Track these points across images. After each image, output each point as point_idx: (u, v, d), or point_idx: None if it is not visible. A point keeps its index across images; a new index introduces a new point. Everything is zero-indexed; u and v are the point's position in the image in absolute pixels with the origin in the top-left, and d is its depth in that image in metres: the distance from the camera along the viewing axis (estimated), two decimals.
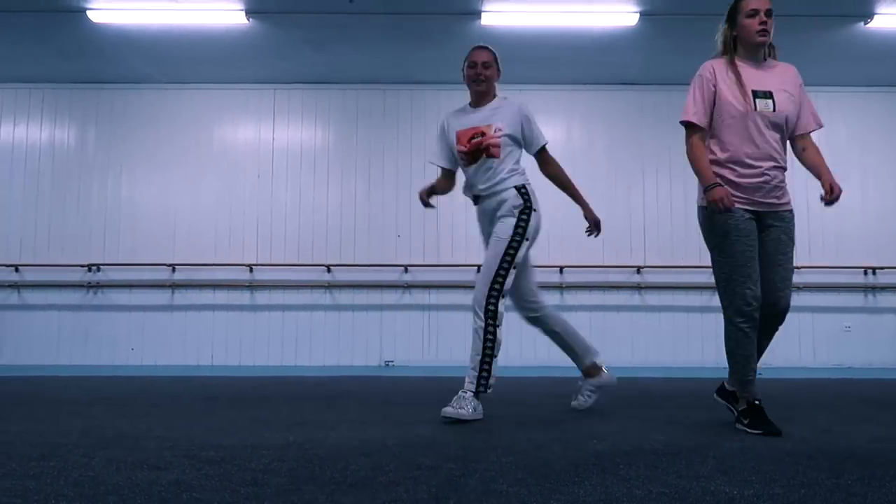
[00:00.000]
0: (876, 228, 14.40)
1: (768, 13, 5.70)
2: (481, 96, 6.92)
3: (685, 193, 14.04)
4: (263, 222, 14.39)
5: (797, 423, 6.01)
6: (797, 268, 14.01)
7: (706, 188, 5.55)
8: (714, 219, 5.64)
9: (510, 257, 6.59)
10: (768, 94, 5.62)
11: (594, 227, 7.48)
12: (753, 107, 5.55)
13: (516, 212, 6.77)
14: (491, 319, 6.49)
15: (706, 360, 13.67)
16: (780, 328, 5.93)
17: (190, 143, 14.54)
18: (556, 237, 14.16)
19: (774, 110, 5.61)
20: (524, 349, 13.94)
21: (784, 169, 5.82)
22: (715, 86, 5.69)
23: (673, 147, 14.29)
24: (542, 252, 14.08)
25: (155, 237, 14.36)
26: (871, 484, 3.51)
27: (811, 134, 6.03)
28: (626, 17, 11.90)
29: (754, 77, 5.68)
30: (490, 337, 6.49)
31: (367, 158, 14.49)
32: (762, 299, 5.65)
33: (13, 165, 14.65)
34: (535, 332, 14.14)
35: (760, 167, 5.61)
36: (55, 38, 12.74)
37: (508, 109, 6.84)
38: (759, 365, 5.77)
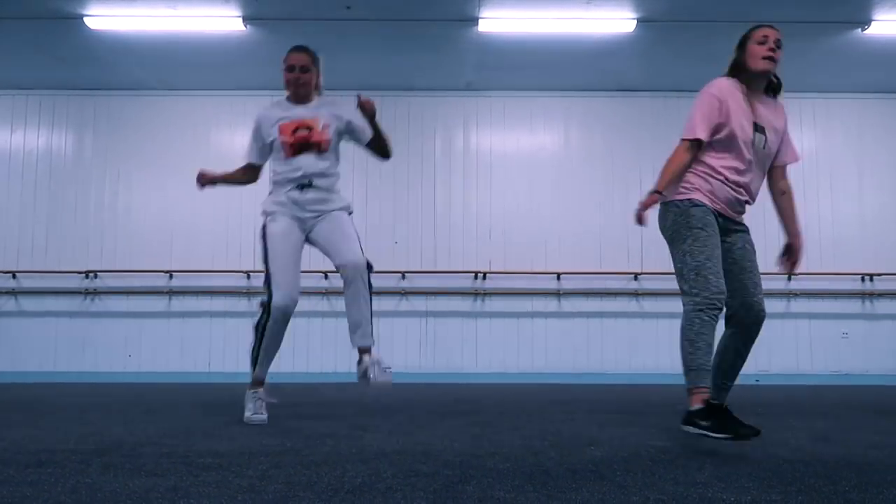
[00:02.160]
0: (873, 235, 14.40)
1: (778, 43, 5.79)
2: (301, 97, 7.03)
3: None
4: (261, 229, 14.38)
5: (794, 429, 6.01)
6: (794, 274, 14.02)
7: (656, 191, 5.68)
8: (691, 212, 5.68)
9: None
10: (762, 130, 5.71)
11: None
12: (752, 139, 5.66)
13: (347, 210, 7.12)
14: (369, 273, 6.96)
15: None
16: (759, 337, 5.93)
17: (187, 150, 14.52)
18: (554, 244, 14.18)
19: (764, 147, 5.75)
20: (521, 357, 13.95)
21: (754, 201, 6.01)
22: (721, 104, 5.65)
23: (657, 153, 14.28)
24: (539, 258, 14.11)
25: (152, 244, 14.35)
26: (868, 491, 3.51)
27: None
28: (624, 23, 11.91)
29: (756, 111, 5.74)
30: (371, 289, 7.04)
31: (363, 165, 14.46)
32: (739, 307, 5.74)
33: (10, 172, 14.64)
34: (531, 339, 14.16)
35: (740, 187, 5.75)
36: (53, 45, 12.74)
37: (332, 105, 7.13)
38: (744, 372, 5.80)
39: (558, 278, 14.17)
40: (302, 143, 6.72)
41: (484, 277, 14.16)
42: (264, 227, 6.84)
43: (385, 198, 14.41)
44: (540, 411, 7.70)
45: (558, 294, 14.17)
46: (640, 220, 5.62)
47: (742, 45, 5.88)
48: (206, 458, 4.37)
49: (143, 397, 9.41)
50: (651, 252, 14.02)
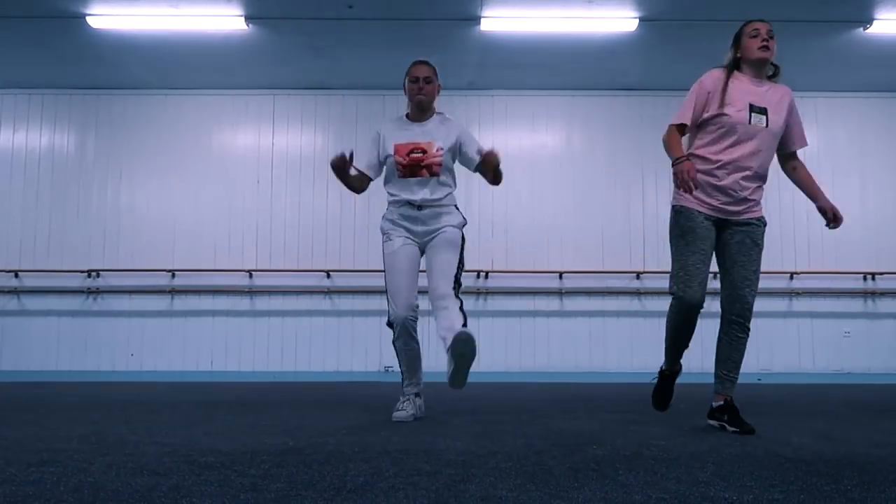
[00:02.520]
0: (875, 234, 14.39)
1: (769, 33, 6.05)
2: (421, 111, 7.03)
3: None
4: (263, 228, 14.39)
5: (796, 428, 6.02)
6: (797, 273, 14.01)
7: (675, 161, 5.90)
8: (676, 219, 6.05)
9: (463, 260, 7.27)
10: (763, 111, 5.91)
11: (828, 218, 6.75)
12: (748, 120, 5.84)
13: (460, 227, 7.25)
14: (461, 299, 7.22)
15: (706, 366, 13.55)
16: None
17: (189, 149, 14.54)
18: (556, 243, 14.18)
19: (767, 126, 5.94)
20: (523, 356, 13.94)
21: (760, 182, 6.10)
22: (709, 94, 5.99)
23: (661, 153, 14.29)
24: (541, 258, 14.10)
25: (154, 243, 14.35)
26: (870, 489, 3.51)
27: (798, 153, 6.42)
28: (626, 22, 11.91)
29: (754, 93, 5.96)
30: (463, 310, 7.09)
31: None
32: (725, 299, 6.18)
33: (13, 172, 14.65)
34: (534, 338, 14.16)
35: (736, 177, 5.89)
36: (55, 45, 12.74)
37: (447, 127, 7.07)
38: (746, 371, 5.90)
39: (560, 277, 14.17)
40: (415, 165, 6.87)
41: (486, 276, 14.16)
42: (383, 246, 7.31)
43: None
44: (542, 410, 7.70)
45: (560, 293, 14.17)
46: (691, 185, 5.80)
47: (737, 41, 6.17)
48: (208, 457, 4.36)
49: (145, 396, 9.41)
50: (653, 251, 14.02)
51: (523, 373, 13.75)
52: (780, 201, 14.09)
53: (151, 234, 14.38)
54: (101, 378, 13.58)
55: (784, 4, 11.16)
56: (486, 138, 14.48)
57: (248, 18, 11.82)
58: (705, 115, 5.98)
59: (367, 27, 12.03)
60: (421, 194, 6.93)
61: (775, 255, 13.92)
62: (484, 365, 13.77)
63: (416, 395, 7.11)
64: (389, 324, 7.12)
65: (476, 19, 11.84)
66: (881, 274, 14.21)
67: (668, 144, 6.08)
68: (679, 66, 13.20)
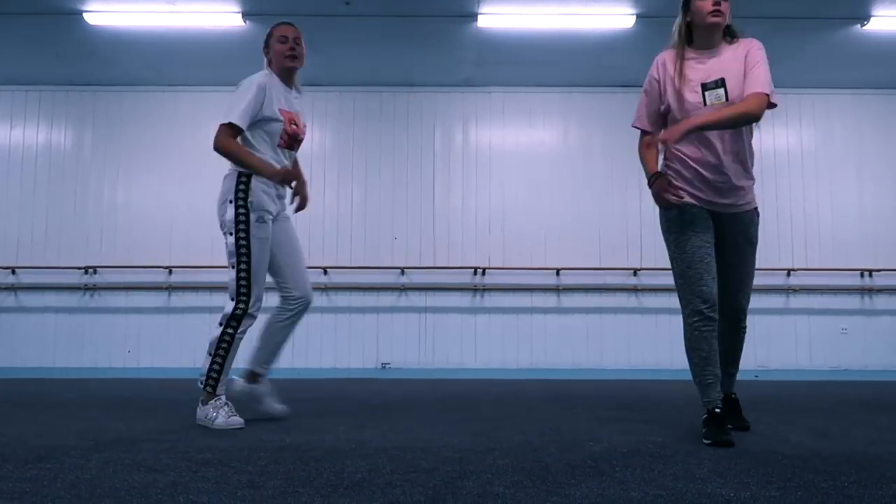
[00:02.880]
0: (872, 230, 14.39)
1: None
2: (291, 75, 6.46)
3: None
4: None
5: (793, 425, 6.02)
6: (794, 270, 14.02)
7: (649, 181, 5.54)
8: (669, 214, 5.53)
9: None
10: (719, 83, 5.36)
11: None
12: (703, 102, 5.36)
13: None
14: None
15: None
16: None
17: (186, 146, 14.52)
18: (553, 240, 14.18)
19: (727, 100, 5.33)
20: (520, 353, 13.95)
21: (745, 166, 5.53)
22: (660, 84, 5.65)
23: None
24: (538, 254, 14.09)
25: (151, 239, 14.33)
26: (867, 486, 3.52)
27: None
28: (623, 19, 11.90)
29: (705, 68, 5.47)
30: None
31: (363, 161, 14.46)
32: (721, 298, 5.54)
33: (9, 168, 14.63)
34: (531, 335, 14.15)
35: (718, 165, 5.40)
36: (52, 41, 12.73)
37: (302, 104, 6.61)
38: (743, 368, 5.76)
39: (557, 274, 14.17)
40: (293, 137, 6.31)
41: (483, 273, 14.16)
42: (251, 224, 6.05)
43: (384, 193, 14.39)
44: (539, 407, 7.71)
45: (557, 290, 14.17)
46: (674, 201, 5.42)
47: (685, 5, 5.66)
48: (205, 454, 4.37)
49: (142, 393, 9.41)
50: (650, 248, 14.01)
51: (520, 370, 13.75)
52: (776, 197, 14.10)
53: (148, 231, 14.37)
54: (98, 375, 13.58)
55: (781, 1, 11.15)
56: (483, 135, 14.53)
57: (246, 15, 11.80)
58: (662, 109, 5.61)
59: (363, 24, 12.02)
60: (288, 166, 6.32)
61: (772, 252, 13.92)
62: (481, 362, 13.79)
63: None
64: (239, 313, 6.36)
65: (473, 16, 11.83)
66: (878, 271, 14.21)
67: (641, 159, 5.77)
68: None
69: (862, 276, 14.24)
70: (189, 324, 14.07)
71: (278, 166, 6.12)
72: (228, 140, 5.96)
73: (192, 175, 14.38)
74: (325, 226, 14.20)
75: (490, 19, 11.90)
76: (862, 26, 11.97)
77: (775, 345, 13.81)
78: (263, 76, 6.23)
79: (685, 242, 5.41)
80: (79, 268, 14.17)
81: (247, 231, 5.97)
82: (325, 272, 14.11)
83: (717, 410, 5.18)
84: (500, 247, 14.21)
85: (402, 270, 14.11)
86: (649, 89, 5.69)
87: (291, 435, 5.28)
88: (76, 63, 13.68)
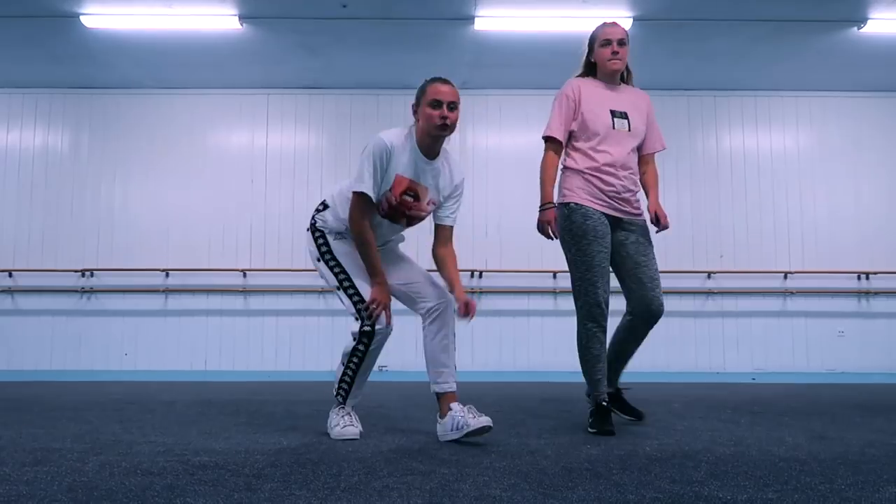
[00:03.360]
0: (869, 233, 14.39)
1: (620, 43, 6.37)
2: (436, 145, 5.72)
3: (677, 199, 13.97)
4: (257, 227, 14.36)
5: (790, 427, 6.03)
6: (791, 273, 14.02)
7: (541, 207, 6.21)
8: (572, 218, 5.98)
9: None
10: (624, 115, 6.07)
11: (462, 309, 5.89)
12: (612, 125, 6.00)
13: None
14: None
15: (699, 364, 13.65)
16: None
17: (183, 149, 14.51)
18: (549, 242, 14.15)
19: (629, 129, 6.10)
20: (517, 355, 13.95)
21: (635, 182, 6.17)
22: (577, 103, 6.11)
23: (666, 152, 14.24)
24: (535, 257, 14.08)
25: (148, 242, 14.31)
26: (864, 489, 3.52)
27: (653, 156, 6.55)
28: (621, 22, 11.83)
29: (611, 98, 6.15)
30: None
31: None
32: (637, 302, 6.07)
33: (6, 171, 14.62)
34: (528, 337, 14.15)
35: (619, 176, 6.00)
36: (48, 44, 12.72)
37: (448, 182, 5.90)
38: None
39: (554, 276, 14.16)
40: (398, 210, 5.69)
41: (480, 276, 14.15)
42: (326, 243, 5.82)
43: None
44: (536, 409, 7.72)
45: (555, 292, 14.16)
46: (551, 235, 6.15)
47: (591, 45, 6.46)
48: (202, 457, 4.37)
49: (139, 396, 9.41)
50: None
51: (517, 372, 13.73)
52: (773, 200, 14.12)
53: (145, 234, 14.35)
54: (95, 377, 13.56)
55: (778, 4, 11.15)
56: (480, 137, 14.51)
57: (242, 18, 11.79)
58: (573, 127, 6.12)
59: (360, 26, 12.02)
60: (382, 238, 5.93)
61: (769, 255, 13.94)
62: (478, 364, 13.78)
63: (354, 408, 5.85)
64: (364, 332, 5.65)
65: (470, 19, 11.82)
66: (875, 273, 14.21)
67: (543, 176, 6.22)
68: (673, 66, 13.19)
69: (859, 278, 14.24)
70: (186, 326, 14.06)
71: (379, 240, 5.79)
72: (362, 222, 5.57)
73: (189, 177, 14.38)
74: None
75: (487, 22, 11.89)
76: (859, 29, 11.96)
77: (772, 347, 13.80)
78: (394, 135, 5.58)
79: (587, 246, 6.01)
80: (76, 270, 14.16)
81: (329, 250, 5.76)
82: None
83: (605, 403, 5.85)
84: (497, 249, 14.21)
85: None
86: (565, 104, 6.18)
87: (288, 437, 5.28)
88: (73, 66, 13.68)
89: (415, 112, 5.67)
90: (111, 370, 13.77)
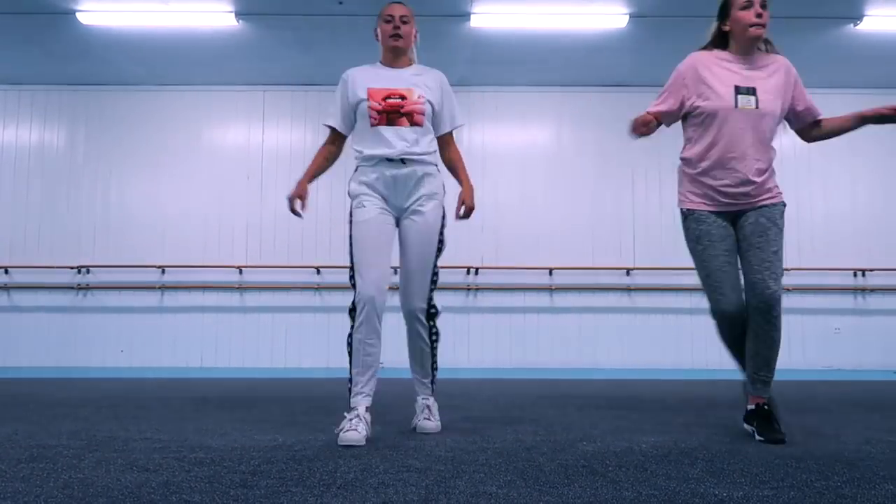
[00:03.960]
0: (865, 230, 14.40)
1: (764, 5, 5.63)
2: (398, 55, 6.21)
3: (675, 195, 13.89)
4: (253, 224, 14.36)
5: (787, 425, 6.01)
6: (787, 270, 14.01)
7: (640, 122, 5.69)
8: (686, 224, 5.62)
9: (443, 241, 6.17)
10: (751, 91, 5.43)
11: (466, 210, 6.23)
12: (735, 103, 5.40)
13: (442, 200, 6.06)
14: (433, 320, 6.15)
15: (696, 361, 13.66)
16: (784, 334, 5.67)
17: (179, 145, 14.51)
18: (546, 239, 14.17)
19: (757, 107, 5.46)
20: (513, 352, 13.94)
21: (766, 169, 5.60)
22: (687, 81, 5.63)
23: (663, 149, 14.25)
24: (531, 253, 14.09)
25: (144, 239, 14.32)
26: (860, 486, 3.52)
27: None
28: (616, 18, 11.90)
29: (740, 73, 5.51)
30: (435, 338, 6.25)
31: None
32: (747, 287, 5.44)
33: (2, 167, 14.60)
34: (524, 334, 14.13)
35: (740, 171, 5.44)
36: (44, 40, 12.71)
37: (432, 79, 6.18)
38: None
39: (550, 273, 14.17)
40: (392, 111, 5.82)
41: (476, 272, 14.15)
42: (351, 213, 5.82)
43: None
44: (532, 406, 7.70)
45: (550, 289, 14.16)
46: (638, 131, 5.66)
47: (724, 11, 5.68)
48: (198, 454, 4.36)
49: (134, 392, 9.40)
50: (643, 247, 14.03)
51: (513, 369, 13.74)
52: None
53: (141, 230, 14.35)
54: (91, 374, 13.56)
55: (774, 1, 11.15)
56: (477, 134, 14.50)
57: (238, 14, 11.79)
58: (686, 107, 5.64)
59: (356, 23, 12.00)
60: (400, 146, 5.77)
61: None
62: (474, 361, 13.79)
63: (367, 409, 5.39)
64: (353, 308, 5.58)
65: (466, 15, 11.82)
66: (871, 270, 14.22)
67: (639, 122, 5.76)
68: (670, 62, 13.03)
69: (855, 275, 14.25)
70: (182, 323, 14.06)
71: (380, 150, 5.80)
72: (322, 147, 6.24)
73: (185, 174, 14.37)
74: (318, 225, 14.17)
75: (483, 19, 11.89)
76: (855, 26, 11.98)
77: None
78: (350, 69, 6.33)
79: (702, 251, 5.60)
80: (71, 267, 14.16)
81: (350, 220, 5.77)
82: (318, 272, 14.10)
83: (766, 406, 5.42)
84: (493, 246, 14.21)
85: (395, 270, 14.08)
86: (675, 83, 5.71)
87: (284, 434, 5.27)
88: (69, 62, 13.67)
89: (376, 35, 6.40)
90: (107, 367, 13.77)
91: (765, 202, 5.52)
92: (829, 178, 14.44)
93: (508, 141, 14.62)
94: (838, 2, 11.35)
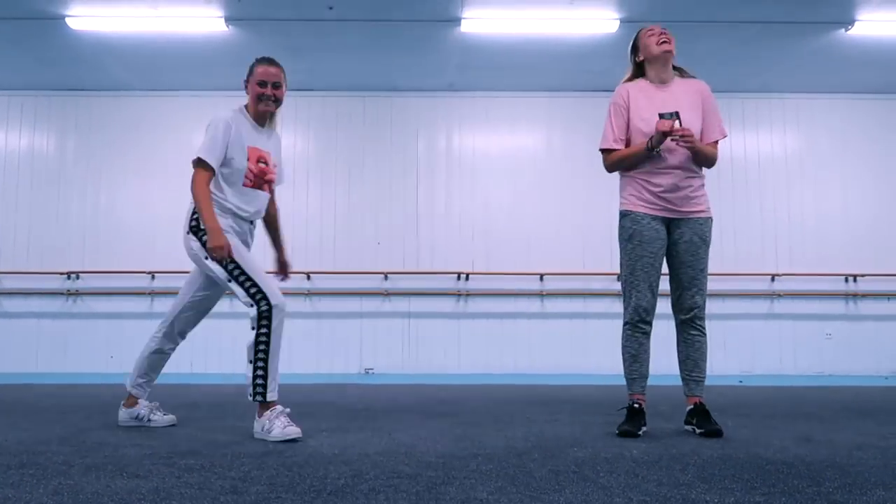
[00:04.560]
0: (857, 235, 14.41)
1: (664, 33, 6.22)
2: (265, 117, 6.40)
3: None
4: None
5: (778, 430, 6.03)
6: (778, 275, 14.02)
7: (651, 141, 5.83)
8: (622, 222, 6.05)
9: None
10: (675, 115, 5.83)
11: (282, 270, 7.12)
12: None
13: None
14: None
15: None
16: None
17: (170, 151, 14.47)
18: (537, 244, 14.17)
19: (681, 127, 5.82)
20: (504, 358, 13.94)
21: (697, 177, 6.05)
22: (627, 111, 6.07)
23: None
24: (521, 259, 14.09)
25: (134, 245, 14.27)
26: (851, 492, 3.52)
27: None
28: (607, 24, 11.90)
29: (661, 99, 6.00)
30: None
31: (346, 165, 14.45)
32: (676, 300, 6.10)
33: None
34: (514, 340, 14.12)
35: (673, 178, 5.91)
36: (34, 46, 12.69)
37: (277, 143, 6.59)
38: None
39: (541, 279, 14.17)
40: (260, 176, 6.28)
41: (467, 278, 14.14)
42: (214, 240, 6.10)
43: (367, 198, 14.37)
44: (523, 412, 7.71)
45: (541, 295, 14.16)
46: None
47: (635, 47, 6.31)
48: (188, 460, 4.36)
49: (124, 398, 9.40)
50: None
51: (504, 375, 13.72)
52: (760, 202, 14.15)
53: (131, 236, 14.32)
54: (81, 380, 13.53)
55: (765, 6, 11.16)
56: (467, 139, 14.52)
57: (228, 20, 11.78)
58: (629, 135, 6.07)
59: (346, 28, 12.01)
60: (255, 207, 6.43)
61: (757, 257, 13.98)
62: (464, 367, 13.79)
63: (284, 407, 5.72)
64: (262, 313, 5.84)
65: (456, 20, 11.82)
66: (863, 276, 14.23)
67: (624, 159, 6.07)
68: None
69: (846, 280, 14.26)
70: None
71: (246, 209, 6.32)
72: (202, 185, 6.17)
73: (175, 179, 14.34)
74: (308, 231, 14.17)
75: (473, 24, 11.88)
76: (846, 30, 11.99)
77: (760, 350, 13.82)
78: (230, 113, 6.36)
79: (632, 250, 6.03)
80: (61, 273, 14.12)
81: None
82: (309, 277, 14.10)
83: (637, 406, 5.93)
84: (483, 252, 14.20)
85: (386, 275, 14.09)
86: (616, 113, 6.14)
87: (274, 440, 5.27)
88: (58, 68, 13.64)
89: (246, 87, 6.42)
90: (97, 373, 13.73)
91: (697, 215, 6.01)
92: (820, 182, 14.46)
93: (498, 146, 14.62)
94: (830, 6, 11.37)
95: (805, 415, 7.54)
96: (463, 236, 14.00)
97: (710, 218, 6.08)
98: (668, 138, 5.76)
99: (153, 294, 14.10)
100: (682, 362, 6.22)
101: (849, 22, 11.78)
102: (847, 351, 14.13)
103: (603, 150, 6.19)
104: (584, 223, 14.31)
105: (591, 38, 12.37)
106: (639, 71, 6.28)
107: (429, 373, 13.58)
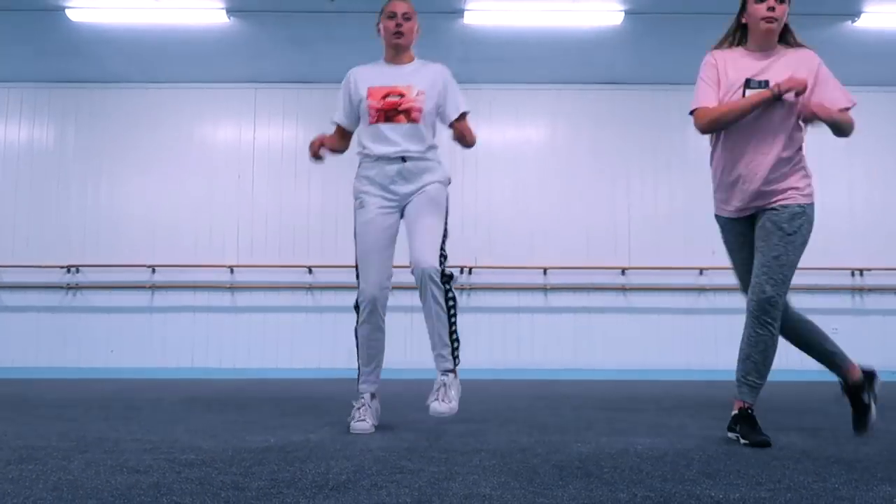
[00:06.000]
0: (863, 229, 14.39)
1: None
2: (399, 52, 6.32)
3: (670, 194, 13.99)
4: (244, 223, 14.32)
5: (784, 426, 6.00)
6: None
7: (764, 97, 5.27)
8: (720, 229, 5.74)
9: (447, 224, 6.43)
10: (764, 84, 5.26)
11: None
12: (743, 95, 5.26)
13: (446, 186, 6.52)
14: (448, 283, 6.16)
15: (691, 362, 13.63)
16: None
17: (170, 143, 14.47)
18: (540, 238, 14.14)
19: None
20: (507, 353, 13.92)
21: (784, 165, 5.47)
22: (717, 71, 5.43)
23: (658, 147, 14.29)
24: (525, 253, 14.07)
25: (134, 238, 14.28)
26: (858, 487, 3.49)
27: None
28: (612, 15, 11.88)
29: (754, 66, 5.38)
30: (452, 303, 6.10)
31: (348, 158, 14.40)
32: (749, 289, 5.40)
33: None
34: (518, 335, 14.10)
35: (753, 170, 5.33)
36: (34, 38, 12.68)
37: (432, 72, 6.38)
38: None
39: (545, 273, 14.15)
40: (390, 109, 6.04)
41: (470, 272, 14.13)
42: (354, 212, 6.19)
43: None
44: (526, 407, 7.70)
45: (545, 289, 14.14)
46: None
47: (743, 3, 5.48)
48: (189, 455, 4.33)
49: (124, 393, 9.38)
50: (638, 246, 14.00)
51: (508, 370, 13.72)
52: None
53: (131, 229, 14.31)
54: (81, 374, 13.53)
55: None
56: None
57: (229, 11, 11.77)
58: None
59: (348, 20, 11.99)
60: (398, 143, 6.01)
61: None
62: (468, 362, 13.70)
63: (373, 395, 5.96)
64: (357, 305, 6.02)
65: (460, 12, 11.81)
66: (869, 270, 14.21)
67: (730, 112, 5.28)
68: (665, 60, 13.17)
69: (853, 275, 14.25)
70: (172, 323, 14.03)
71: (376, 147, 6.10)
72: (335, 140, 6.61)
73: (175, 172, 14.34)
74: (310, 224, 14.17)
75: (477, 16, 11.88)
76: (853, 22, 11.97)
77: None
78: (354, 68, 6.55)
79: (729, 255, 5.78)
80: (61, 267, 14.11)
81: (354, 219, 6.15)
82: (311, 271, 14.07)
83: (750, 410, 5.23)
84: (487, 246, 14.18)
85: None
86: (707, 75, 5.47)
87: (275, 435, 5.24)
88: (58, 60, 13.63)
89: (378, 30, 6.40)
90: (97, 367, 13.74)
91: (773, 205, 5.40)
92: (826, 176, 14.38)
93: (502, 139, 14.60)
94: None
95: (811, 410, 7.55)
96: (466, 230, 13.96)
97: (796, 205, 5.57)
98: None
99: (153, 288, 14.10)
100: (742, 361, 5.50)
101: (855, 13, 11.77)
102: (853, 346, 13.97)
103: (693, 113, 5.45)
104: (589, 217, 14.30)
105: (596, 30, 12.36)
106: (742, 30, 5.59)
107: (431, 368, 13.55)
